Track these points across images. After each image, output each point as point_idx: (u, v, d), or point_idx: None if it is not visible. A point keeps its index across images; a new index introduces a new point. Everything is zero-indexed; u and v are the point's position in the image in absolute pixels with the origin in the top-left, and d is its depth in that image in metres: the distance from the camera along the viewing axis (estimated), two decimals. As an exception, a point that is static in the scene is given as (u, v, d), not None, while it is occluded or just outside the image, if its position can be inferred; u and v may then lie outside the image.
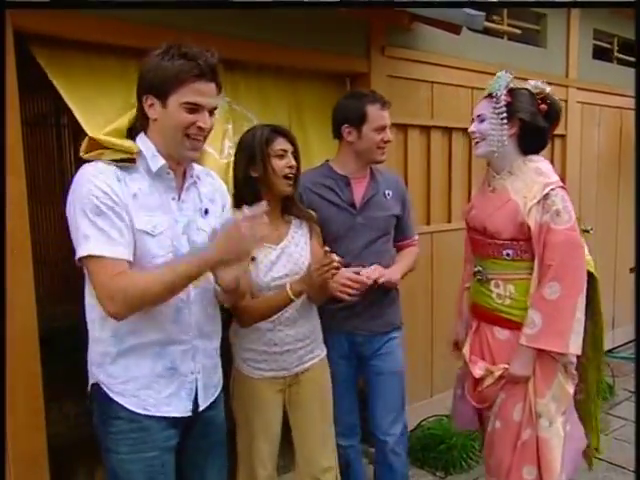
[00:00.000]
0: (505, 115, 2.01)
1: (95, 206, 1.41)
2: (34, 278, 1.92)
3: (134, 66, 2.02)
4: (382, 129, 2.22)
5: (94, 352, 1.56)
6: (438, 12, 2.65)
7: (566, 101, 4.05)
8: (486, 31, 3.41)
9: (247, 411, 2.00)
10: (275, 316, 1.93)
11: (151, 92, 1.48)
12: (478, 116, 2.10)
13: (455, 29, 2.86)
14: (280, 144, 1.93)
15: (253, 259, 1.88)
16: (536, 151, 2.11)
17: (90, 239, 1.40)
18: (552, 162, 4.05)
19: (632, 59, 4.56)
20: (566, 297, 1.93)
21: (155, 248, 1.49)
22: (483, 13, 2.90)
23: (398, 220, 2.38)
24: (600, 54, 4.42)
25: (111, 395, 1.53)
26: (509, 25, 3.65)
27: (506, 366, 2.04)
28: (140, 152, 1.52)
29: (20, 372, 1.86)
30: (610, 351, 4.67)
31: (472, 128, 2.12)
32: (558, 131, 4.00)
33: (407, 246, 2.44)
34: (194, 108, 1.48)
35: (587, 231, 4.36)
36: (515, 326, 2.04)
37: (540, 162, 2.09)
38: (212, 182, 1.71)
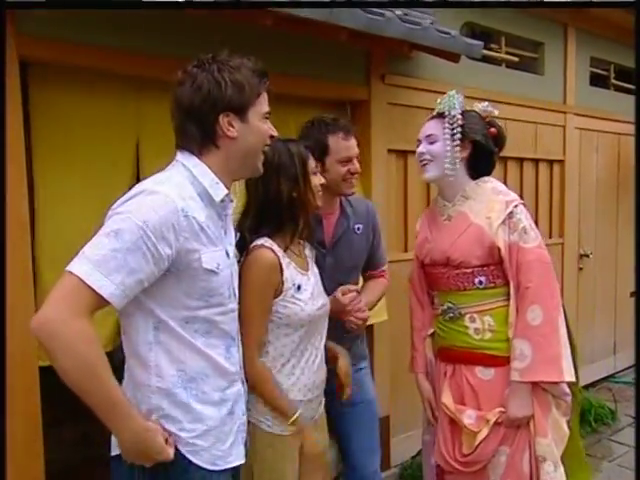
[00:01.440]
0: (460, 136, 1.88)
1: (136, 238, 1.21)
2: (34, 301, 1.91)
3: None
4: (347, 160, 2.04)
5: (149, 403, 1.34)
6: (437, 41, 2.70)
7: (564, 127, 4.11)
8: (485, 59, 3.47)
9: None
10: (308, 356, 1.78)
11: (230, 109, 1.36)
12: (428, 136, 1.94)
13: (454, 57, 2.91)
14: (313, 161, 1.84)
15: (299, 287, 1.74)
16: (483, 175, 1.98)
17: (95, 263, 1.19)
18: (551, 187, 4.10)
19: (629, 86, 4.63)
20: (549, 320, 1.80)
21: (217, 285, 1.37)
22: (481, 42, 2.96)
23: (369, 247, 2.19)
24: (597, 81, 4.48)
25: (183, 452, 1.33)
26: (507, 53, 3.70)
27: (501, 409, 1.83)
28: (194, 177, 1.37)
29: (19, 397, 1.85)
30: (612, 376, 4.66)
31: (421, 149, 1.96)
32: (557, 156, 4.09)
33: (376, 277, 2.24)
34: (268, 117, 1.44)
35: (587, 255, 4.37)
36: (500, 362, 1.86)
37: (494, 182, 1.97)
38: (232, 206, 1.55)
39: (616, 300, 4.72)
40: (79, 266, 1.19)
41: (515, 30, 3.69)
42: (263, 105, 1.43)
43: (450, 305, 1.94)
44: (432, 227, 2.05)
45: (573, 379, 1.83)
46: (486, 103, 2.00)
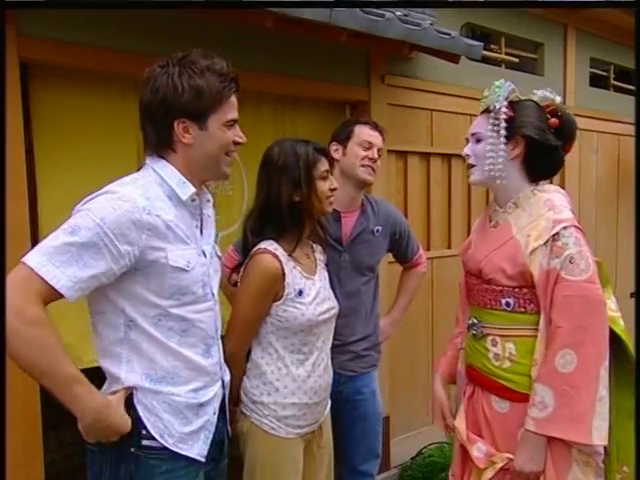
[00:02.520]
0: (505, 133, 1.62)
1: (92, 234, 1.22)
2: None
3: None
4: (368, 145, 2.10)
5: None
6: (437, 42, 2.70)
7: (564, 128, 4.11)
8: (484, 60, 3.47)
9: None
10: (314, 360, 1.76)
11: (186, 116, 1.32)
12: (473, 134, 1.72)
13: (454, 58, 2.91)
14: (324, 165, 1.75)
15: (300, 293, 1.70)
16: (546, 177, 1.74)
17: (48, 255, 1.19)
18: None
19: (629, 87, 4.63)
20: (584, 370, 1.50)
21: (188, 283, 1.36)
22: (481, 43, 2.96)
23: (398, 247, 2.31)
24: (597, 82, 4.48)
25: (138, 410, 1.33)
26: (507, 54, 3.70)
27: (510, 456, 1.60)
28: (162, 179, 1.36)
29: (19, 398, 1.85)
30: (612, 377, 4.65)
31: (466, 150, 1.74)
32: (556, 157, 4.08)
33: (414, 266, 2.41)
34: (233, 124, 1.40)
35: (587, 256, 4.37)
36: (516, 397, 1.61)
37: (553, 193, 1.70)
38: (210, 206, 1.54)
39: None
40: (32, 258, 1.20)
41: (515, 31, 3.69)
42: (227, 112, 1.37)
43: (475, 321, 1.74)
44: (479, 232, 1.83)
45: (604, 443, 1.54)
46: (547, 90, 1.73)
